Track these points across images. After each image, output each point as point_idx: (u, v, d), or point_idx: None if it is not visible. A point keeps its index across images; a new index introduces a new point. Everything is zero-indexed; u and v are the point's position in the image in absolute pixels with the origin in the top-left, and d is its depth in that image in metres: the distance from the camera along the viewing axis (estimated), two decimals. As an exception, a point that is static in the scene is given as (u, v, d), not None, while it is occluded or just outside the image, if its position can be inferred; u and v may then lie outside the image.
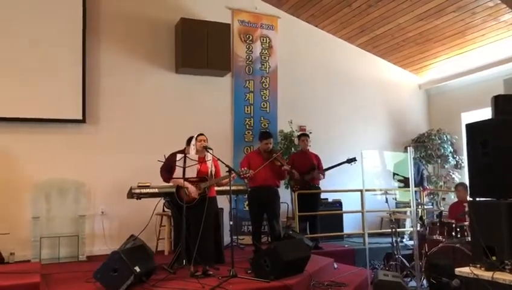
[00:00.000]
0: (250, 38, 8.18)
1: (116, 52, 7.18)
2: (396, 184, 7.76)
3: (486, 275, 3.24)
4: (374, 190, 6.93)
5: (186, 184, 4.82)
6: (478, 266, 3.42)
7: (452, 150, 8.87)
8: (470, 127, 4.10)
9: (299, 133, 7.68)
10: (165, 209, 6.28)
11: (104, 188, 6.79)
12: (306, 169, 6.96)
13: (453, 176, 8.79)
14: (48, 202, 6.43)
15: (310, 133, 7.47)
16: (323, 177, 7.05)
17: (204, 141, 4.98)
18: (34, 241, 6.12)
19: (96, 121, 6.98)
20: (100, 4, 7.15)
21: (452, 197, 8.42)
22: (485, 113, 6.86)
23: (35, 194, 6.37)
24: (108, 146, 6.94)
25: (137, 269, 4.23)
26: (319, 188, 7.13)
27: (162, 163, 5.41)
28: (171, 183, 5.18)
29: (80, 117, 6.73)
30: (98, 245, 6.71)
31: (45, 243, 6.22)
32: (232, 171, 4.95)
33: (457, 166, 8.88)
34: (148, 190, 5.51)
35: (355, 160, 6.94)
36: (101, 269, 4.26)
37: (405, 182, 7.45)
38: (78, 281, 4.69)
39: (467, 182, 5.97)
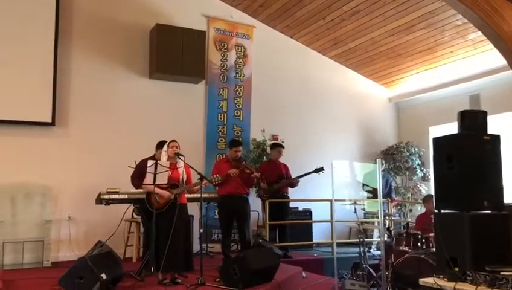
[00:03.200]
0: (226, 46, 8.21)
1: (89, 55, 7.09)
2: (366, 194, 7.89)
3: (448, 285, 3.32)
4: (344, 200, 7.01)
5: (157, 190, 4.76)
6: (441, 276, 3.51)
7: (420, 163, 9.07)
8: (437, 140, 4.22)
9: (271, 142, 7.72)
10: (134, 216, 6.22)
11: (71, 193, 6.66)
12: (275, 178, 7.02)
13: (420, 188, 8.97)
14: (13, 206, 6.26)
15: (283, 142, 7.53)
16: (297, 185, 7.11)
17: (176, 147, 4.94)
18: (-4, 246, 5.97)
19: (65, 125, 6.85)
20: (73, 6, 7.05)
21: (419, 209, 8.60)
22: (452, 128, 7.01)
23: (0, 198, 6.19)
24: (77, 150, 6.82)
25: (103, 276, 4.17)
26: (288, 197, 7.19)
27: (133, 169, 5.36)
28: (141, 190, 5.12)
29: (49, 120, 6.60)
30: (64, 251, 6.56)
31: (8, 248, 6.07)
32: (204, 179, 4.95)
33: (425, 178, 9.08)
34: (117, 196, 5.42)
35: (323, 170, 7.04)
36: (67, 276, 4.19)
37: (374, 192, 7.59)
38: (43, 287, 4.59)
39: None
